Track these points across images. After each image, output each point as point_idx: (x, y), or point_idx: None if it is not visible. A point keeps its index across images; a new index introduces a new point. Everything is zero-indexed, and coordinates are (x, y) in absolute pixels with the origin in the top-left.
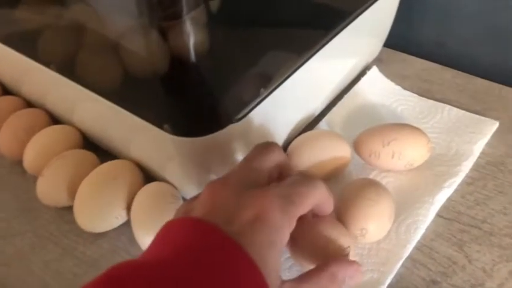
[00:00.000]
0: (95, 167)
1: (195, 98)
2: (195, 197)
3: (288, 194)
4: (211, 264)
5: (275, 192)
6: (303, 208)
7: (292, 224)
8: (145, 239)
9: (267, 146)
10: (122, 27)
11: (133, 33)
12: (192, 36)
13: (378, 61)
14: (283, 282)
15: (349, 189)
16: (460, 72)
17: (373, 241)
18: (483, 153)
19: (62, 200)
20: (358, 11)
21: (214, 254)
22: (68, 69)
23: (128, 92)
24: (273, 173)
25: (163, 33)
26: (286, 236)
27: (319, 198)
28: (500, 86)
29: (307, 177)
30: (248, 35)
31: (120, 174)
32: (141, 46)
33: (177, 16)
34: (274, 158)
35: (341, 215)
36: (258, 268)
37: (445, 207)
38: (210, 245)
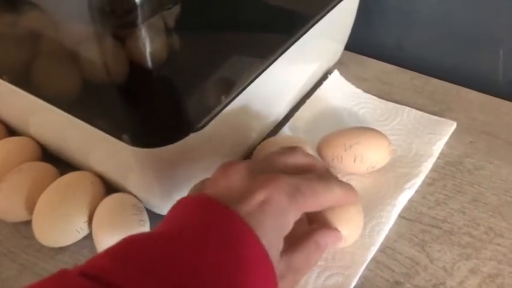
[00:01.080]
0: (54, 179)
1: (153, 107)
2: (210, 178)
3: (300, 184)
4: (218, 240)
5: (287, 178)
6: (312, 203)
7: (297, 214)
8: None
9: (290, 148)
10: (77, 35)
11: (89, 41)
12: (148, 44)
13: (339, 64)
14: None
15: None
16: (418, 73)
17: (344, 246)
18: (442, 154)
19: (19, 215)
20: (319, 15)
21: (223, 230)
22: (22, 79)
23: (85, 102)
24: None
25: (120, 41)
26: (290, 222)
27: (333, 202)
28: (458, 87)
29: (327, 179)
30: (208, 42)
31: (81, 186)
32: (97, 54)
33: (132, 24)
34: (295, 159)
35: (312, 221)
36: (263, 248)
37: (406, 208)
38: (219, 222)
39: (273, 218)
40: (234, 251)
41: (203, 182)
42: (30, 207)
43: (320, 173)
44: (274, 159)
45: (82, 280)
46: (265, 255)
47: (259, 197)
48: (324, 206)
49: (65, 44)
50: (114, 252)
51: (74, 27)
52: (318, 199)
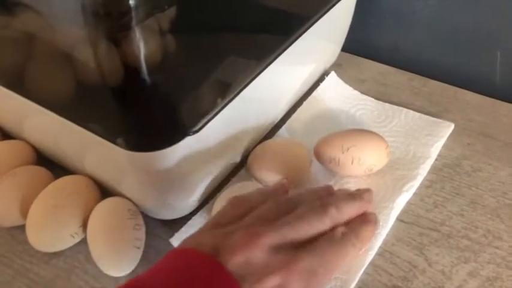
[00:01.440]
0: (48, 183)
1: (148, 111)
2: (227, 233)
3: (316, 267)
4: None
5: (305, 264)
6: (328, 277)
7: None
8: (103, 257)
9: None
10: (71, 38)
11: (82, 44)
12: (143, 46)
13: (336, 66)
14: None
15: None
16: (415, 75)
17: None
18: (440, 156)
19: (13, 219)
20: (316, 16)
21: None
22: (16, 82)
23: (80, 105)
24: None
25: (114, 44)
26: None
27: (352, 256)
28: (456, 88)
29: (340, 245)
30: (204, 44)
31: (75, 190)
32: (91, 58)
33: (127, 27)
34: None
35: None
36: None
37: (404, 211)
38: None
39: None
40: None
41: (221, 237)
42: (25, 212)
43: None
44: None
45: None
46: None
47: (274, 282)
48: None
49: (59, 47)
50: None
51: (68, 30)
52: (335, 269)
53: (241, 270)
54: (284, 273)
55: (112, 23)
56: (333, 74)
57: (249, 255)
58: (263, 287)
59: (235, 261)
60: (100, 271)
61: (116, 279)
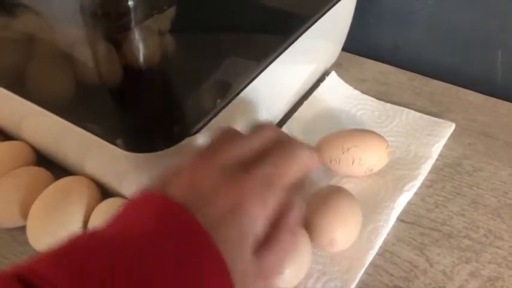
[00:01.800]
0: (49, 184)
1: (148, 112)
2: (178, 170)
3: (270, 179)
4: (177, 254)
5: (257, 180)
6: (284, 186)
7: (270, 212)
8: None
9: (262, 126)
10: (70, 39)
11: (82, 45)
12: (142, 47)
13: (337, 66)
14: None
15: (315, 198)
16: (417, 74)
17: (341, 250)
18: (441, 156)
19: (14, 220)
20: (316, 16)
21: (182, 244)
22: (15, 84)
23: (79, 106)
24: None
25: (114, 45)
26: (260, 226)
27: (302, 170)
28: (457, 87)
29: (289, 149)
30: (203, 44)
31: (76, 191)
32: (90, 59)
33: (126, 27)
34: (268, 135)
35: (308, 225)
36: (226, 266)
37: (405, 211)
38: (180, 234)
39: (240, 228)
40: (189, 266)
41: (169, 177)
42: (25, 213)
43: (285, 145)
44: (250, 144)
45: (16, 285)
46: (225, 275)
47: (227, 202)
48: (296, 178)
49: (58, 48)
50: (55, 255)
51: (67, 31)
52: (289, 180)
53: (187, 199)
54: (236, 192)
55: (111, 24)
56: (333, 73)
57: (197, 177)
58: (214, 210)
59: (182, 188)
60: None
61: None
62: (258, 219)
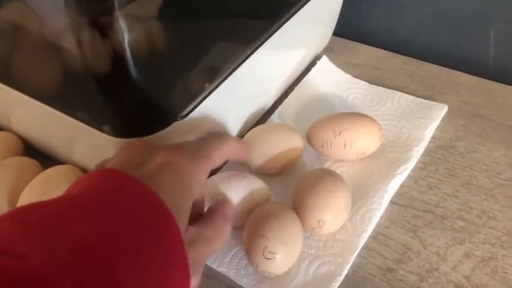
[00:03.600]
0: (37, 174)
1: (134, 97)
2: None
3: (198, 146)
4: (118, 204)
5: (186, 144)
6: (213, 160)
7: (202, 176)
8: None
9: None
10: (54, 25)
11: (66, 31)
12: (127, 32)
13: (328, 50)
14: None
15: (304, 181)
16: (409, 58)
17: (330, 232)
18: (434, 138)
19: (2, 210)
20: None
21: (120, 194)
22: (1, 74)
23: (65, 94)
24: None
25: (98, 30)
26: (193, 183)
27: (229, 152)
28: (449, 70)
29: (218, 134)
30: (190, 28)
31: (64, 180)
32: (75, 45)
33: (109, 11)
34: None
35: (297, 207)
36: (164, 206)
37: (398, 194)
38: (116, 187)
39: (174, 179)
40: (130, 212)
41: (105, 161)
42: (13, 203)
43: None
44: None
45: None
46: (168, 215)
47: (158, 160)
48: (223, 158)
49: (42, 35)
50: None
51: (52, 18)
52: (217, 154)
53: (123, 166)
54: (164, 153)
55: (94, 8)
56: (324, 58)
57: (131, 152)
58: (147, 167)
59: (119, 161)
60: None
61: None
62: (188, 173)
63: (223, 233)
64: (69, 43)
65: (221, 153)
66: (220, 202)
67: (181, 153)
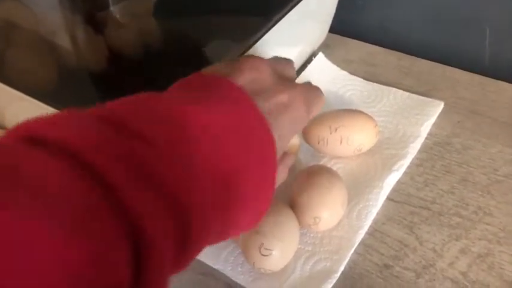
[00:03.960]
0: None
1: (129, 94)
2: (233, 62)
3: (311, 96)
4: (241, 131)
5: (303, 90)
6: (317, 110)
7: (307, 121)
8: None
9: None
10: (49, 22)
11: (61, 28)
12: (122, 29)
13: (324, 47)
14: None
15: (301, 177)
16: (404, 54)
17: (326, 229)
18: (430, 134)
19: None
20: None
21: (239, 115)
22: None
23: (60, 91)
24: None
25: (93, 27)
26: (301, 127)
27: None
28: (445, 66)
29: (319, 90)
30: (185, 26)
31: None
32: (69, 42)
33: (103, 7)
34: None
35: (294, 204)
36: (274, 143)
37: (395, 190)
38: (244, 117)
39: (289, 124)
40: (246, 135)
41: (230, 65)
42: None
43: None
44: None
45: (31, 149)
46: (272, 150)
47: (284, 99)
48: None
49: (37, 32)
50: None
51: (46, 14)
52: (319, 106)
53: (251, 86)
54: (290, 94)
55: (88, 4)
56: (320, 55)
57: (256, 76)
58: (274, 101)
59: (245, 79)
60: None
61: None
62: (301, 118)
63: (281, 176)
64: (63, 40)
65: (320, 106)
66: (285, 153)
67: (300, 99)
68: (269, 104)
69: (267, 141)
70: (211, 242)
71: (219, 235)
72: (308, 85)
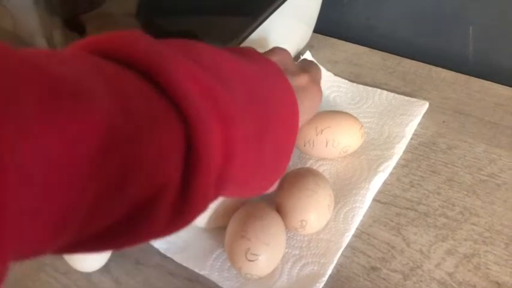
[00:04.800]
0: None
1: None
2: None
3: (318, 75)
4: (270, 81)
5: (313, 74)
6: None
7: (321, 98)
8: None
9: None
10: (26, 23)
11: (38, 30)
12: (103, 30)
13: (309, 47)
14: None
15: (287, 180)
16: (389, 54)
17: (313, 232)
18: (415, 134)
19: None
20: None
21: (276, 82)
22: None
23: None
24: None
25: (72, 29)
26: (318, 104)
27: None
28: (430, 66)
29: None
30: (168, 26)
31: None
32: (46, 44)
33: (84, 9)
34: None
35: (280, 207)
36: (298, 109)
37: (381, 192)
38: (275, 79)
39: (309, 102)
40: (275, 87)
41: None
42: None
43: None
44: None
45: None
46: (296, 112)
47: (306, 79)
48: None
49: (15, 34)
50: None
51: (23, 16)
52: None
53: (280, 64)
54: (310, 77)
55: (68, 8)
56: (307, 54)
57: (282, 57)
58: (297, 79)
59: (275, 58)
60: (70, 267)
61: (87, 274)
62: (316, 96)
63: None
64: (41, 43)
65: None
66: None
67: (314, 82)
68: (297, 81)
69: (292, 102)
70: (245, 179)
71: (255, 169)
72: (309, 64)
